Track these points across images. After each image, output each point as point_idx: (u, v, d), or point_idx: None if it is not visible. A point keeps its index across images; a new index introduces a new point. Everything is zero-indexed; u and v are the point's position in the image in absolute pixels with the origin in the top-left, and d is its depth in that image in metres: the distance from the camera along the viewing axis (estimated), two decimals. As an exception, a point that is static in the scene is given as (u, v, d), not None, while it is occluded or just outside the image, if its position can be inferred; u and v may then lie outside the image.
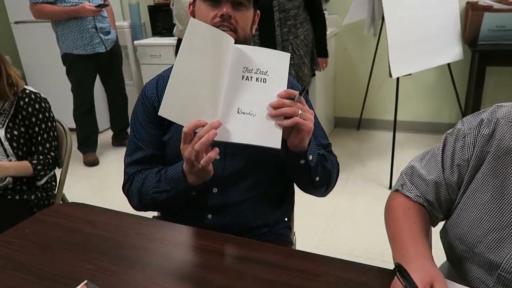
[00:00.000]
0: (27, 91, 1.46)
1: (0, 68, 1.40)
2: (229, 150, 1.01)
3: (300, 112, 0.82)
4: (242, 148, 1.00)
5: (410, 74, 2.44)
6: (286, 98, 0.83)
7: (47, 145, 1.49)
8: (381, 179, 2.60)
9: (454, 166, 0.79)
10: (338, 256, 0.82)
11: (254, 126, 0.82)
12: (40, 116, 1.46)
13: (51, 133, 1.50)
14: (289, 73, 1.15)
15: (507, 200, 0.71)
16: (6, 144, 1.42)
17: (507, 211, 0.71)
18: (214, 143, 0.80)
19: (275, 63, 0.84)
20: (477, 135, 0.76)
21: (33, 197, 1.48)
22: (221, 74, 0.82)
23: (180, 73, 0.81)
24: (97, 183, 2.85)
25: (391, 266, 0.73)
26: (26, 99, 1.45)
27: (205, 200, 1.04)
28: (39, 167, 1.44)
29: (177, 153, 0.90)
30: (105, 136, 3.56)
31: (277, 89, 0.83)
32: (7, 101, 1.44)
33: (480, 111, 0.79)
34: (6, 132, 1.42)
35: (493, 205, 0.73)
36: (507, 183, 0.71)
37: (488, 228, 0.73)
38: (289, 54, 0.85)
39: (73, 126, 2.95)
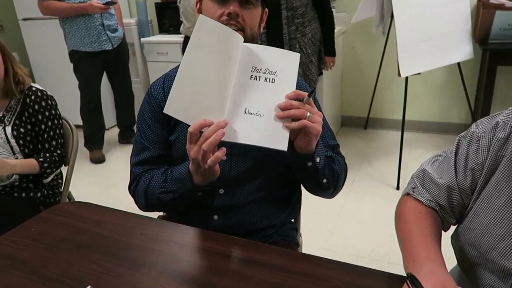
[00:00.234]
0: (34, 88, 1.46)
1: (6, 66, 1.40)
2: (236, 151, 1.00)
3: (308, 114, 0.81)
4: (249, 149, 0.98)
5: (419, 73, 2.40)
6: (294, 100, 0.81)
7: (54, 143, 1.49)
8: (388, 179, 2.58)
9: (468, 170, 0.77)
10: (344, 257, 0.81)
11: (261, 127, 0.80)
12: (47, 113, 1.46)
13: (58, 131, 1.50)
14: None
15: (522, 206, 0.69)
16: (12, 141, 1.42)
17: (522, 217, 0.69)
18: (220, 143, 0.79)
19: (285, 64, 0.82)
20: (492, 138, 0.73)
21: (39, 194, 1.48)
22: (229, 73, 0.80)
23: (187, 70, 0.80)
24: (103, 181, 2.86)
25: (397, 268, 0.71)
26: (33, 97, 1.44)
27: (211, 201, 1.02)
28: (45, 164, 1.44)
29: (183, 153, 0.88)
30: (112, 133, 3.57)
31: (286, 90, 0.81)
32: (13, 98, 1.44)
33: (495, 113, 0.76)
34: (13, 130, 1.42)
35: (507, 210, 0.71)
36: (523, 188, 0.69)
37: (502, 234, 0.71)
38: (298, 55, 0.83)
39: (80, 123, 2.96)
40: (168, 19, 3.51)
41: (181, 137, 1.00)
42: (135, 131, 1.10)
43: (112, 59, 3.00)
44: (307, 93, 0.82)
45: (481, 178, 0.75)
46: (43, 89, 1.49)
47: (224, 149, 0.81)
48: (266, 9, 1.02)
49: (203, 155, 0.80)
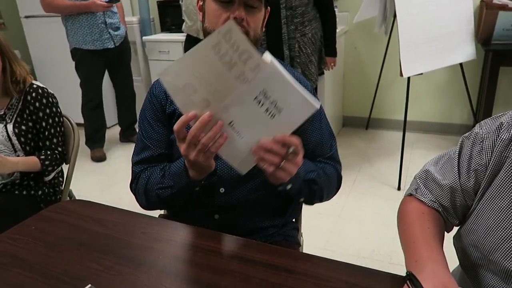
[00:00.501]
0: (35, 85, 1.46)
1: (4, 65, 1.39)
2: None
3: (281, 164, 0.78)
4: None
5: (421, 74, 2.40)
6: (281, 143, 0.77)
7: (54, 140, 1.49)
8: (389, 179, 2.57)
9: (471, 171, 0.76)
10: (345, 258, 0.80)
11: (235, 145, 0.79)
12: (47, 111, 1.46)
13: (58, 128, 1.50)
14: (296, 71, 1.11)
15: (526, 207, 0.69)
16: (14, 139, 1.42)
17: (525, 218, 0.69)
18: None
19: (296, 107, 0.74)
20: (496, 139, 0.73)
21: (40, 192, 1.48)
22: (230, 90, 0.74)
23: (193, 59, 0.74)
24: (104, 179, 2.86)
25: (398, 268, 0.71)
26: (33, 94, 1.44)
27: (212, 200, 1.02)
28: (47, 162, 1.44)
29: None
30: (113, 132, 3.57)
31: (279, 130, 0.76)
32: (14, 96, 1.44)
33: (499, 114, 0.76)
34: (14, 127, 1.42)
35: (511, 212, 0.70)
36: (527, 189, 0.69)
37: (505, 236, 0.71)
38: (316, 107, 0.74)
39: (81, 121, 2.96)
40: (170, 17, 3.51)
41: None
42: (136, 129, 1.09)
43: (114, 58, 3.00)
44: (296, 144, 0.78)
45: (484, 179, 0.75)
46: (44, 86, 1.49)
47: (225, 135, 0.78)
48: (268, 8, 1.02)
49: (205, 156, 0.80)
